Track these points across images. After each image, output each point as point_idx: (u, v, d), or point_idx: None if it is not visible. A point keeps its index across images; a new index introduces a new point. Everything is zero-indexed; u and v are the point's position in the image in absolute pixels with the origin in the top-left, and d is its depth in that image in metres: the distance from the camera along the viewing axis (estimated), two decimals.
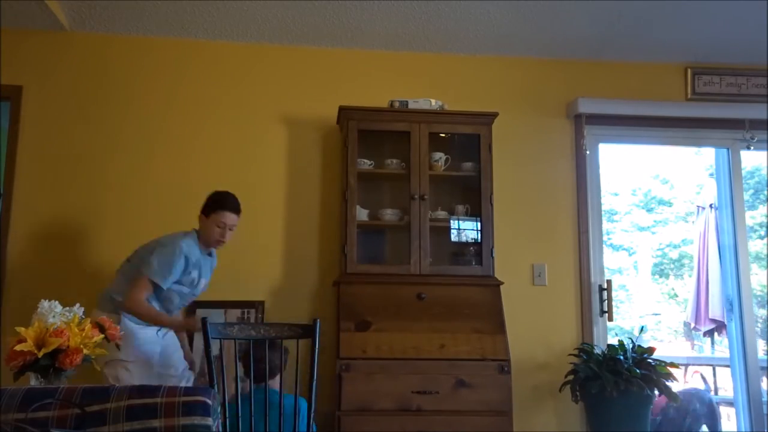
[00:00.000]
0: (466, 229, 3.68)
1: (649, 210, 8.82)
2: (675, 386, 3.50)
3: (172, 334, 3.17)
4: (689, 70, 4.17)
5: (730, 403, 4.41)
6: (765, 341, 4.23)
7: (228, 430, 2.52)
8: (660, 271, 8.63)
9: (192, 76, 3.86)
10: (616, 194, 3.98)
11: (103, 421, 1.84)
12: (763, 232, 4.31)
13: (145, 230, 3.64)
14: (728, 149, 4.22)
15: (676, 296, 8.36)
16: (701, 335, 6.07)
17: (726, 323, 4.41)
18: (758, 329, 4.22)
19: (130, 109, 3.79)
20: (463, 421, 3.16)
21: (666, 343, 7.55)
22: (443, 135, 3.77)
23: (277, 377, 2.73)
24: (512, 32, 3.84)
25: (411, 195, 3.55)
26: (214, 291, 3.61)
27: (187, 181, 3.75)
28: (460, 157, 3.73)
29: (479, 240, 3.59)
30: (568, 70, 4.10)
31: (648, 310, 7.61)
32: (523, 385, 3.68)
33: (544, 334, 3.82)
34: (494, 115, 3.66)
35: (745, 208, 4.23)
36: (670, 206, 8.62)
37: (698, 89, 4.16)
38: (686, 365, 6.18)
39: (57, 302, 2.58)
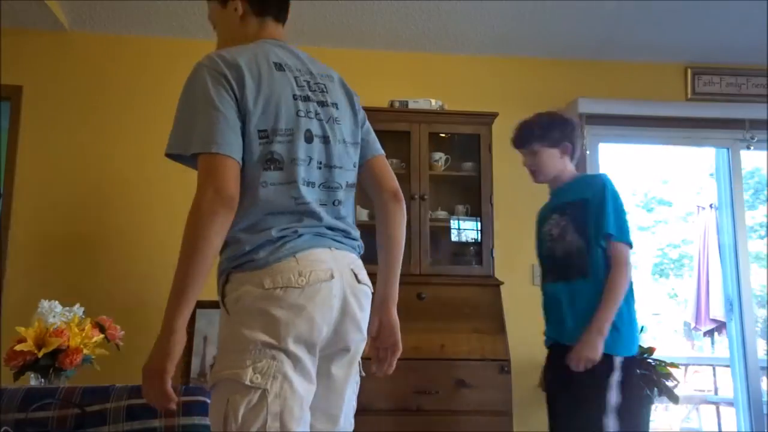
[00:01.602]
0: (466, 229, 3.68)
1: (649, 210, 8.82)
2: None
3: None
4: (689, 70, 4.16)
5: (730, 403, 4.40)
6: (765, 341, 4.22)
7: None
8: (660, 271, 8.64)
9: None
10: None
11: (103, 421, 1.84)
12: (763, 232, 4.31)
13: (145, 230, 3.67)
14: (728, 149, 4.22)
15: (676, 296, 8.36)
16: (701, 335, 6.07)
17: (726, 323, 4.40)
18: (758, 329, 4.21)
19: (130, 109, 3.78)
20: (463, 421, 3.15)
21: (666, 343, 7.55)
22: (443, 135, 3.76)
23: None
24: (512, 32, 3.84)
25: (411, 195, 3.54)
26: (214, 291, 3.61)
27: (188, 181, 3.73)
28: (460, 157, 3.73)
29: (479, 240, 3.59)
30: (568, 70, 4.10)
31: (648, 310, 7.61)
32: (523, 385, 3.66)
33: None
34: (494, 115, 3.65)
35: (745, 208, 4.23)
36: (670, 206, 8.62)
37: (698, 89, 4.16)
38: (686, 365, 6.18)
39: (57, 302, 2.59)
